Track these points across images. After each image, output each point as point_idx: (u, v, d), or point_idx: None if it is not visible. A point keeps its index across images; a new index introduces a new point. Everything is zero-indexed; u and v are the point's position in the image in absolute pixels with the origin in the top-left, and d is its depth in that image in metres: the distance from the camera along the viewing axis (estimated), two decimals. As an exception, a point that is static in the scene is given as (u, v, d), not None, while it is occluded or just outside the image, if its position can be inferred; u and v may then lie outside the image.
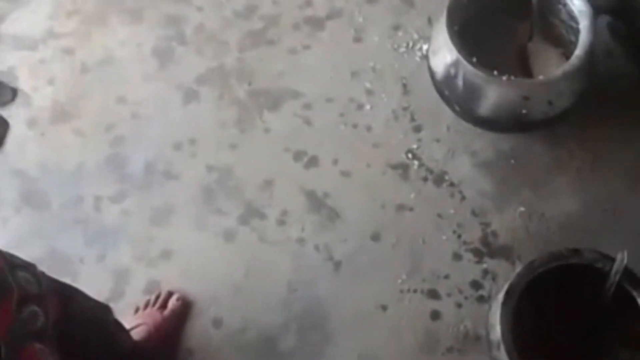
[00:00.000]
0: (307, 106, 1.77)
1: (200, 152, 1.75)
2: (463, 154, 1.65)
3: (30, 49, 1.93)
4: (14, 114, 1.83)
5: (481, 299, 1.50)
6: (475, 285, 1.52)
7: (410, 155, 1.67)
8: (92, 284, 1.59)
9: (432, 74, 1.60)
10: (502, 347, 1.23)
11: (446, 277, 1.53)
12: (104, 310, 1.27)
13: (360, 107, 1.75)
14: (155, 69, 1.87)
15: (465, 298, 1.51)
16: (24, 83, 1.88)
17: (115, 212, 1.70)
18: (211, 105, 1.80)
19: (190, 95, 1.82)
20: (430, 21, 1.83)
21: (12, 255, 1.01)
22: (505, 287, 1.28)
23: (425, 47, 1.79)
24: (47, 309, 0.98)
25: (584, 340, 1.35)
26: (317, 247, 1.60)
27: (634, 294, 1.24)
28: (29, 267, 1.01)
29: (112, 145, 1.78)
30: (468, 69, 1.45)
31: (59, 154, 1.78)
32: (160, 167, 1.74)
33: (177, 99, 1.82)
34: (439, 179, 1.64)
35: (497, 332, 1.27)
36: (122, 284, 1.61)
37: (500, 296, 1.29)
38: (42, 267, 1.06)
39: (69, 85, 1.87)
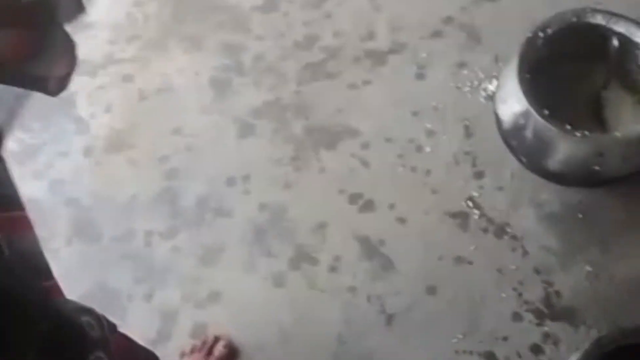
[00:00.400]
0: (365, 145, 1.70)
1: (253, 190, 1.70)
2: (527, 205, 1.56)
3: (89, 75, 1.92)
4: (72, 142, 1.83)
5: (542, 366, 1.42)
6: (536, 349, 1.43)
7: (470, 204, 1.59)
8: (140, 323, 1.59)
9: (498, 121, 1.51)
10: None
11: (505, 338, 1.45)
12: (153, 356, 1.25)
13: (420, 148, 1.68)
14: (212, 100, 1.83)
15: (525, 363, 1.43)
16: (82, 109, 1.88)
17: (165, 248, 1.67)
18: (267, 141, 1.76)
19: (245, 129, 1.78)
20: (497, 60, 1.74)
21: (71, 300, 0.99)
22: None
23: (490, 87, 1.70)
24: (111, 353, 0.96)
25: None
26: (369, 298, 1.54)
27: None
28: (90, 311, 0.99)
29: (166, 178, 1.75)
30: (539, 121, 1.36)
31: (113, 184, 1.77)
32: (213, 203, 1.71)
33: (233, 132, 1.78)
34: (501, 231, 1.55)
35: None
36: (169, 325, 1.58)
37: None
38: (91, 303, 1.02)
39: (125, 113, 1.86)
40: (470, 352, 1.45)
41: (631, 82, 1.51)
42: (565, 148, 1.38)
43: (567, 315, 1.45)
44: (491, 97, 1.66)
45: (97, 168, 1.80)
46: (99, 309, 1.18)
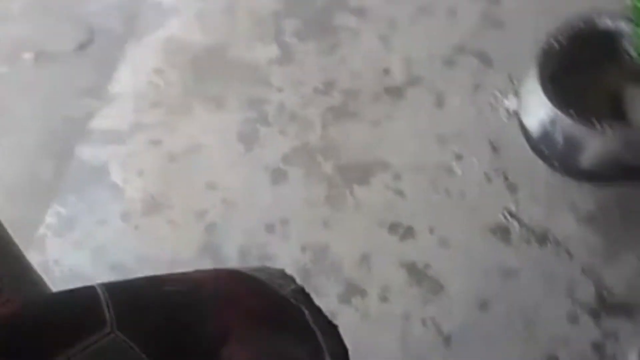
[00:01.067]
0: (397, 177, 1.75)
1: (293, 233, 1.74)
2: (564, 210, 1.60)
3: (119, 143, 1.98)
4: (108, 209, 1.87)
5: (607, 364, 1.43)
6: (598, 347, 1.44)
7: (508, 217, 1.62)
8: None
9: (525, 132, 1.56)
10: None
11: (565, 342, 1.46)
12: None
13: (451, 172, 1.72)
14: (242, 153, 1.89)
15: (589, 364, 1.44)
16: (115, 177, 1.93)
17: (214, 299, 1.69)
18: (300, 184, 1.80)
19: (278, 176, 1.83)
20: (511, 79, 1.80)
21: None
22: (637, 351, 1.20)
23: (509, 104, 1.76)
24: None
25: None
26: (423, 322, 1.56)
27: None
28: None
29: (205, 233, 1.79)
30: (567, 123, 1.42)
31: (154, 245, 1.80)
32: (255, 251, 1.74)
33: (265, 180, 1.83)
34: (543, 239, 1.58)
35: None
36: (228, 372, 1.60)
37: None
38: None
39: (158, 176, 1.90)
40: (534, 359, 1.46)
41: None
42: (597, 145, 1.43)
43: (623, 309, 1.47)
44: (511, 114, 1.72)
45: (137, 231, 1.83)
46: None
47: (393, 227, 1.68)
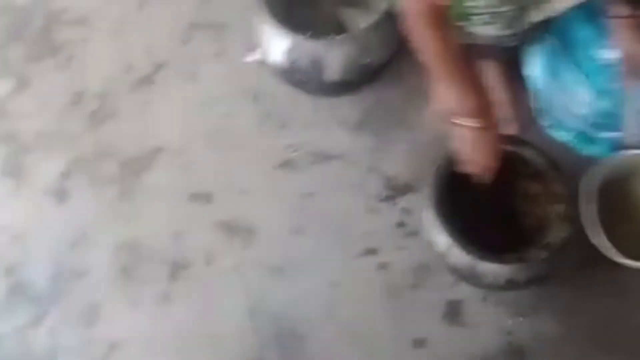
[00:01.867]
0: (177, 153, 1.81)
1: (100, 240, 1.73)
2: (335, 126, 1.78)
3: None
4: None
5: (412, 234, 1.63)
6: (401, 224, 1.66)
7: (290, 150, 1.77)
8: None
9: (276, 71, 1.71)
10: (455, 249, 1.37)
11: (375, 232, 1.65)
12: None
13: (227, 130, 1.82)
14: (14, 187, 1.82)
15: (399, 239, 1.63)
16: None
17: (42, 335, 1.64)
18: (87, 193, 1.79)
19: (61, 194, 1.79)
20: (249, 34, 1.89)
21: None
22: (428, 203, 1.42)
23: (255, 56, 1.87)
24: None
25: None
26: (253, 265, 1.65)
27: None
28: None
29: (8, 277, 1.71)
30: (306, 45, 1.58)
31: (-43, 309, 1.68)
32: (67, 272, 1.70)
33: (50, 203, 1.78)
34: (327, 157, 1.75)
35: (441, 243, 1.41)
36: (87, 392, 1.57)
37: (429, 217, 1.43)
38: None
39: None
40: (356, 256, 1.63)
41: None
42: (334, 55, 1.60)
43: (408, 188, 1.70)
44: (260, 63, 1.83)
45: None
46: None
47: (193, 197, 1.75)
